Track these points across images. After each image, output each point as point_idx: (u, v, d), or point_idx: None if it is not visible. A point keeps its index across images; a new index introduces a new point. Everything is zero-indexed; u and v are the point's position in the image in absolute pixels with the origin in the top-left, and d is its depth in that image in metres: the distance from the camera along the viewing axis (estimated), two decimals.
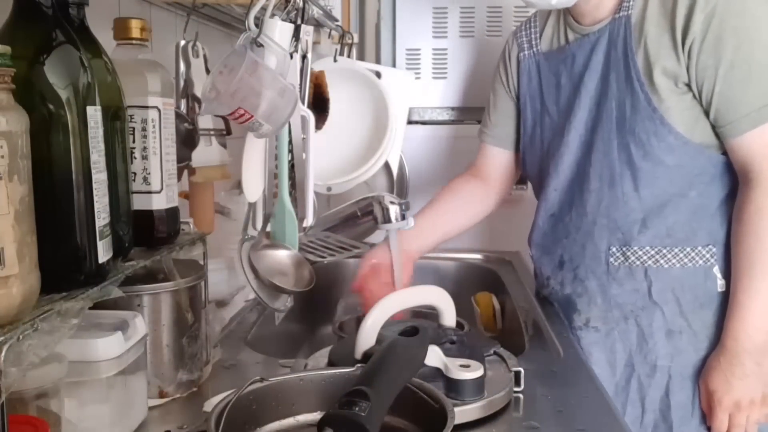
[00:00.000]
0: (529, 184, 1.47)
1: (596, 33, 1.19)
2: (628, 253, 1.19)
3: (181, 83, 1.07)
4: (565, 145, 1.24)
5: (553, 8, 1.22)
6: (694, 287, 1.18)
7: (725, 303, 1.15)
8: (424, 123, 1.88)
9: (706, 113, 1.12)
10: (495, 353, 0.95)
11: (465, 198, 1.44)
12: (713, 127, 1.13)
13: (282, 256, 1.07)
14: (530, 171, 1.37)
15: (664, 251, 1.17)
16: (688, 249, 1.17)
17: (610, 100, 1.17)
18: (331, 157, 1.56)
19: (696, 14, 1.07)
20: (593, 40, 1.19)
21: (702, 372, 1.18)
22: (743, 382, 1.11)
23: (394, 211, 1.25)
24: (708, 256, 1.17)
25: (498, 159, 1.43)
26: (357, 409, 0.61)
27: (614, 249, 1.20)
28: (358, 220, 1.37)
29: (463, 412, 0.79)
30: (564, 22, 1.26)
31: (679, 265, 1.17)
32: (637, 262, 1.19)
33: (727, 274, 1.16)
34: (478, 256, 1.72)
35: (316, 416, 0.74)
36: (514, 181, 1.47)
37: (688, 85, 1.11)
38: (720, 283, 1.17)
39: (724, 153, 1.15)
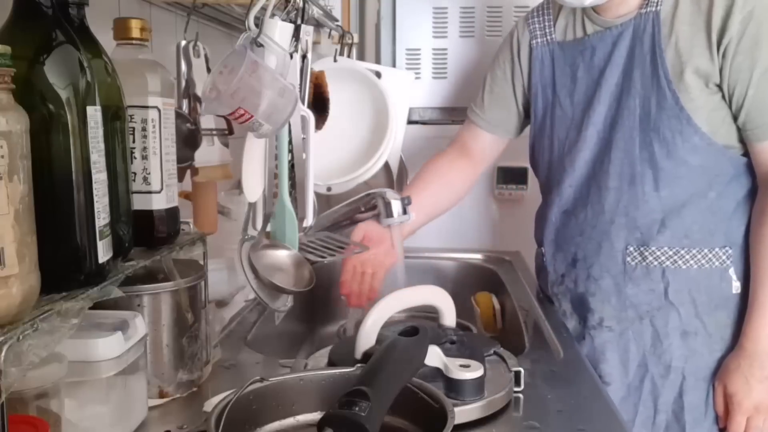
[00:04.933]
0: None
1: (619, 27, 1.17)
2: (646, 253, 1.18)
3: (183, 83, 1.07)
4: (582, 140, 1.22)
5: (586, 7, 1.19)
6: (710, 288, 1.17)
7: (740, 305, 1.15)
8: (424, 123, 1.88)
9: (735, 115, 1.11)
10: (495, 353, 0.95)
11: (453, 179, 1.41)
12: (739, 130, 1.12)
13: (282, 256, 1.07)
14: (540, 164, 1.35)
15: (682, 252, 1.17)
16: (706, 250, 1.17)
17: (632, 96, 1.15)
18: (331, 157, 1.56)
19: (734, 15, 1.06)
20: (615, 34, 1.17)
21: (719, 374, 1.17)
22: (763, 385, 1.11)
23: (396, 206, 1.26)
24: (724, 257, 1.17)
25: (486, 142, 1.41)
26: (357, 409, 0.61)
27: (632, 248, 1.19)
28: (359, 215, 1.37)
29: (463, 412, 0.79)
30: (582, 12, 1.24)
31: (697, 266, 1.17)
32: (655, 263, 1.18)
33: (743, 276, 1.16)
34: (478, 256, 1.72)
35: (316, 416, 0.74)
36: (497, 158, 1.46)
37: (719, 86, 1.10)
38: (735, 285, 1.17)
39: (745, 154, 1.14)
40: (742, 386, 1.13)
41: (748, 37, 1.06)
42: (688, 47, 1.10)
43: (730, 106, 1.11)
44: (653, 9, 1.13)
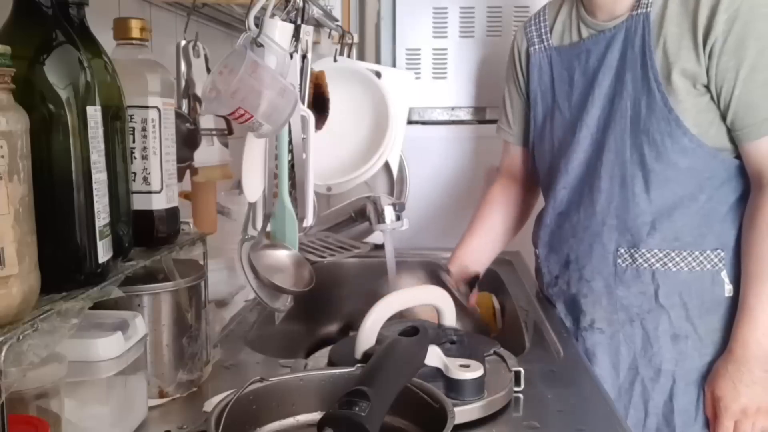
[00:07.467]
0: None
1: (612, 30, 1.17)
2: (636, 255, 1.18)
3: (183, 83, 1.07)
4: (576, 142, 1.22)
5: None
6: (701, 292, 1.16)
7: (732, 308, 1.15)
8: (424, 123, 1.88)
9: (723, 116, 1.11)
10: (495, 353, 0.95)
11: (508, 206, 1.45)
12: (728, 131, 1.12)
13: (282, 256, 1.07)
14: (540, 167, 1.36)
15: (673, 254, 1.17)
16: (697, 253, 1.16)
17: (624, 98, 1.15)
18: (331, 157, 1.56)
19: (719, 15, 1.06)
20: (609, 37, 1.18)
21: (708, 378, 1.17)
22: (751, 389, 1.10)
23: (389, 212, 1.26)
24: (716, 260, 1.16)
25: (525, 156, 1.42)
26: (357, 409, 0.61)
27: (622, 250, 1.19)
28: (353, 221, 1.37)
29: (463, 412, 0.79)
30: (577, 17, 1.24)
31: (687, 269, 1.16)
32: (645, 265, 1.18)
33: (735, 279, 1.15)
34: None
35: (316, 416, 0.74)
36: None
37: (707, 87, 1.10)
38: (727, 288, 1.16)
39: (737, 157, 1.14)
40: (729, 390, 1.12)
41: (734, 36, 1.06)
42: (676, 48, 1.10)
43: (718, 107, 1.11)
44: (644, 11, 1.13)
